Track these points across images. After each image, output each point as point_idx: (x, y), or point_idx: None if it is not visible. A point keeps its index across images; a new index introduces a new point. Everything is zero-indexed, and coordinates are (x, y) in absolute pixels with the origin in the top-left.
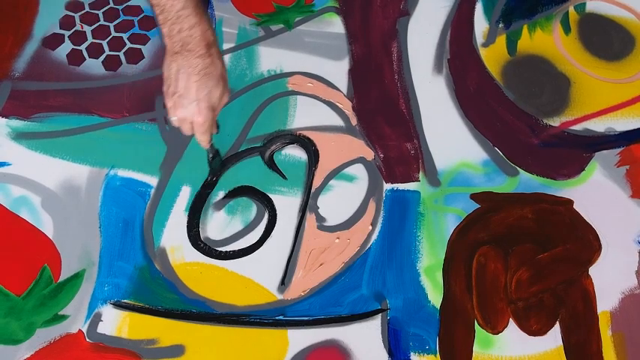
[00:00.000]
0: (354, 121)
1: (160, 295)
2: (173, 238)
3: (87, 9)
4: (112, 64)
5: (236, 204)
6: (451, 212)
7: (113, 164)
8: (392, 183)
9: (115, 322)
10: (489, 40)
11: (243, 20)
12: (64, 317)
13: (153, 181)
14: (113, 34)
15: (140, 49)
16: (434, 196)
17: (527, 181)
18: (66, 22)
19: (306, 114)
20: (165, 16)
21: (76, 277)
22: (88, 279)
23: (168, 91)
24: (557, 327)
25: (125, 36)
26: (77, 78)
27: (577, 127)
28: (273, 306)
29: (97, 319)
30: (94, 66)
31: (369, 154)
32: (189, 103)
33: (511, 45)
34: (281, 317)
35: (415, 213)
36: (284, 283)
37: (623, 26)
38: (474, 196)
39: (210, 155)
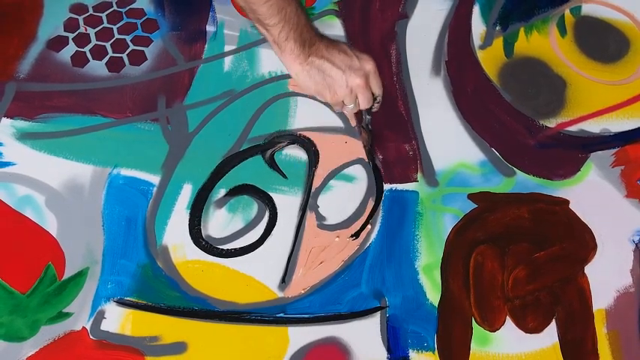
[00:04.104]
0: (353, 123)
1: (163, 292)
2: (175, 236)
3: (91, 12)
4: (115, 65)
5: (237, 202)
6: (449, 212)
7: (116, 163)
8: (390, 183)
9: (118, 320)
10: (486, 42)
11: (244, 23)
12: (68, 315)
13: (155, 179)
14: (116, 36)
15: (143, 51)
16: (432, 196)
17: (523, 182)
18: (70, 25)
19: (306, 115)
20: (288, 28)
21: (80, 275)
22: (92, 277)
23: (334, 86)
24: (553, 325)
25: (128, 38)
26: (81, 79)
27: (573, 128)
28: (274, 304)
29: (100, 316)
30: (97, 67)
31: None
32: (355, 64)
33: (508, 47)
34: (281, 315)
35: (414, 213)
36: (284, 281)
37: (618, 29)
38: (472, 196)
39: (369, 124)
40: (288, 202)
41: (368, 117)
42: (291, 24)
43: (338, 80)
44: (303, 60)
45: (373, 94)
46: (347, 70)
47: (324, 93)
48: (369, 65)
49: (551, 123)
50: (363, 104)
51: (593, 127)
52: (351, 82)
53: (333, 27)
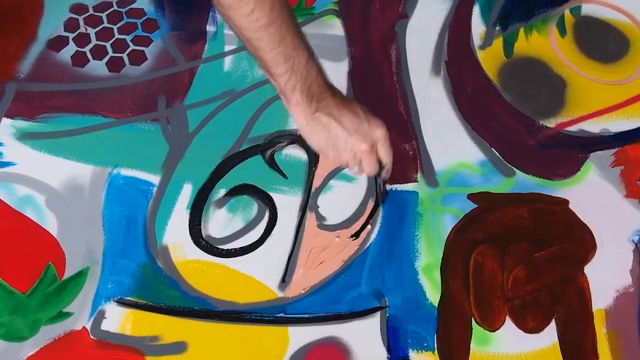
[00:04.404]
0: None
1: (163, 292)
2: (175, 236)
3: (91, 12)
4: (115, 65)
5: (237, 202)
6: (449, 212)
7: (116, 163)
8: (390, 183)
9: (118, 320)
10: (486, 42)
11: None
12: (68, 315)
13: (155, 179)
14: (116, 36)
15: (143, 50)
16: (432, 196)
17: (523, 182)
18: (70, 25)
19: None
20: (296, 79)
21: (80, 275)
22: (92, 277)
23: (338, 146)
24: (553, 325)
25: (128, 38)
26: (81, 79)
27: (572, 128)
28: (274, 303)
29: (100, 316)
30: (97, 67)
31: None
32: (364, 128)
33: (508, 47)
34: (282, 315)
35: (413, 213)
36: (284, 281)
37: (618, 29)
38: (472, 197)
39: (382, 186)
40: (288, 202)
41: (379, 180)
42: (299, 75)
43: (342, 142)
44: (309, 114)
45: (381, 162)
46: (353, 134)
47: (328, 152)
48: (378, 132)
49: (551, 123)
50: (367, 170)
51: (593, 127)
52: (356, 146)
53: (333, 27)
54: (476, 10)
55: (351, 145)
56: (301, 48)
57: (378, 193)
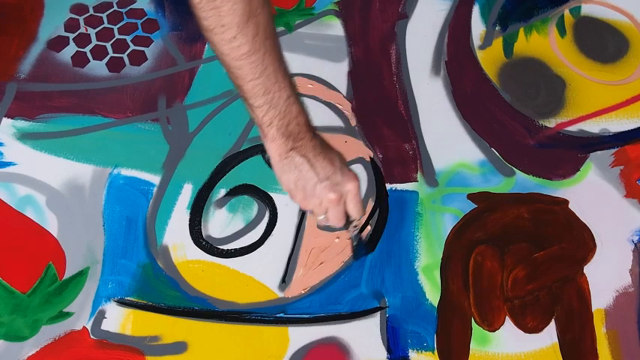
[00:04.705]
0: (353, 122)
1: (163, 292)
2: (175, 236)
3: (91, 12)
4: (115, 65)
5: (237, 202)
6: (449, 212)
7: (116, 163)
8: (390, 183)
9: (118, 319)
10: (486, 42)
11: None
12: (68, 314)
13: (155, 179)
14: (117, 36)
15: (143, 51)
16: (432, 196)
17: (523, 182)
18: (70, 25)
19: None
20: (273, 114)
21: (81, 275)
22: (92, 277)
23: (306, 190)
24: (552, 324)
25: (129, 38)
26: (81, 79)
27: (572, 128)
28: (274, 304)
29: (100, 316)
30: (98, 68)
31: (368, 154)
32: (336, 178)
33: (507, 47)
34: (282, 315)
35: (413, 213)
36: (285, 281)
37: (617, 29)
38: (471, 196)
39: (357, 239)
40: (288, 202)
41: (354, 229)
42: (278, 111)
43: (311, 187)
44: (283, 152)
45: (349, 216)
46: (324, 181)
47: (295, 194)
48: (350, 185)
49: (551, 123)
50: (332, 221)
51: (593, 127)
52: (324, 194)
53: (333, 27)
54: (476, 11)
55: (319, 191)
56: (283, 83)
57: (352, 246)
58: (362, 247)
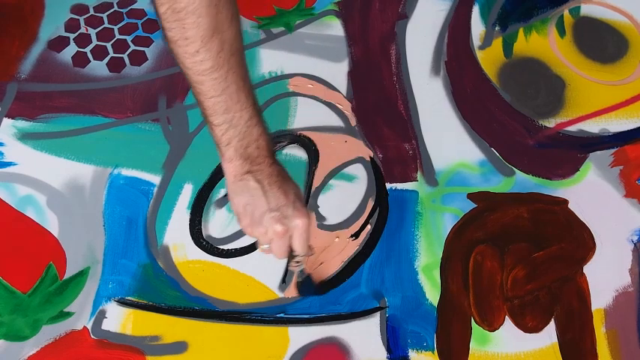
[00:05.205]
0: (353, 122)
1: (163, 292)
2: (176, 236)
3: (92, 12)
4: (116, 65)
5: None
6: (448, 212)
7: (117, 163)
8: (390, 183)
9: (119, 319)
10: (486, 42)
11: (244, 23)
12: (69, 314)
13: (156, 179)
14: (117, 36)
15: (144, 51)
16: (432, 195)
17: (523, 181)
18: (71, 25)
19: (306, 115)
20: (232, 134)
21: (81, 275)
22: (93, 277)
23: (254, 217)
24: (552, 324)
25: (129, 38)
26: (82, 79)
27: (572, 128)
28: (274, 304)
29: (101, 316)
30: (98, 68)
31: (368, 154)
32: (286, 211)
33: (507, 47)
34: (282, 315)
35: (413, 212)
36: (285, 281)
37: (616, 29)
38: (471, 196)
39: (302, 277)
40: None
41: (296, 265)
42: (237, 131)
43: (259, 214)
44: (239, 174)
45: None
46: (273, 211)
47: (243, 218)
48: (298, 221)
49: (551, 123)
50: (274, 252)
51: (592, 127)
52: (271, 224)
53: (333, 27)
54: (475, 11)
55: (266, 221)
56: (246, 104)
57: (296, 282)
58: (309, 285)
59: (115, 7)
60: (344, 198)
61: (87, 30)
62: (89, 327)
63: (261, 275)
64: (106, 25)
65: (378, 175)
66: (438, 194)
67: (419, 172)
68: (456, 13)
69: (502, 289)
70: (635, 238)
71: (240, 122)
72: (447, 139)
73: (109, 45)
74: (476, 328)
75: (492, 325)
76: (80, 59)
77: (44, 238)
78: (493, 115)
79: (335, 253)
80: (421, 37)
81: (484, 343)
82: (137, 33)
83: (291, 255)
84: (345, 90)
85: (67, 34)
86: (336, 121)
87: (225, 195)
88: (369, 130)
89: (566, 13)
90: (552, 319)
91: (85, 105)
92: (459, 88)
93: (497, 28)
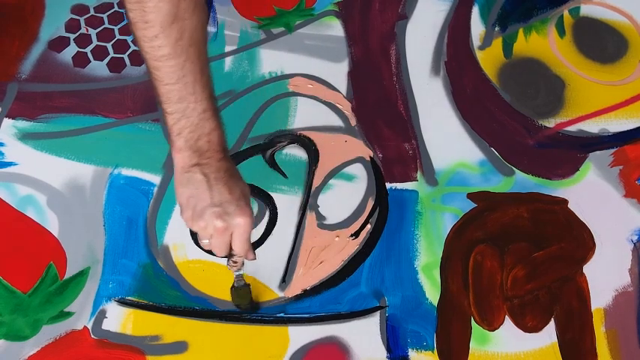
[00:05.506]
0: (353, 122)
1: (164, 292)
2: (176, 236)
3: (92, 12)
4: (116, 66)
5: None
6: (448, 211)
7: (117, 163)
8: (390, 182)
9: (119, 319)
10: (486, 42)
11: (244, 23)
12: (69, 314)
13: (156, 179)
14: (117, 36)
15: None
16: (431, 195)
17: (522, 181)
18: (71, 26)
19: (306, 115)
20: (184, 124)
21: (81, 275)
22: (93, 276)
23: (196, 210)
24: (552, 324)
25: (129, 39)
26: (82, 80)
27: (571, 128)
28: (275, 303)
29: (101, 315)
30: (98, 68)
31: (368, 154)
32: (229, 208)
33: (507, 48)
34: (282, 314)
35: (413, 212)
36: (285, 280)
37: (616, 29)
38: (471, 196)
39: (240, 284)
40: (288, 202)
41: (234, 265)
42: (189, 122)
43: (201, 208)
44: (186, 165)
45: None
46: (216, 206)
47: (185, 210)
48: (239, 219)
49: (550, 123)
50: (213, 248)
51: (592, 127)
52: (211, 219)
53: (333, 28)
54: (475, 11)
55: (207, 215)
56: (201, 96)
57: (230, 288)
58: (246, 294)
59: (116, 8)
60: (344, 197)
61: (87, 30)
62: (89, 327)
63: (261, 275)
64: (107, 25)
65: (378, 174)
66: (438, 194)
67: (419, 172)
68: (456, 13)
69: (502, 288)
70: (635, 238)
71: (193, 114)
72: (447, 139)
73: (109, 45)
74: (476, 328)
75: (492, 324)
76: (80, 59)
77: (44, 238)
78: (493, 115)
79: (335, 252)
80: (421, 37)
81: (484, 343)
82: None
83: (230, 254)
84: (345, 90)
85: (67, 35)
86: (336, 121)
87: None
88: (369, 130)
89: (565, 13)
90: (552, 319)
91: (85, 105)
92: (458, 88)
93: (497, 29)
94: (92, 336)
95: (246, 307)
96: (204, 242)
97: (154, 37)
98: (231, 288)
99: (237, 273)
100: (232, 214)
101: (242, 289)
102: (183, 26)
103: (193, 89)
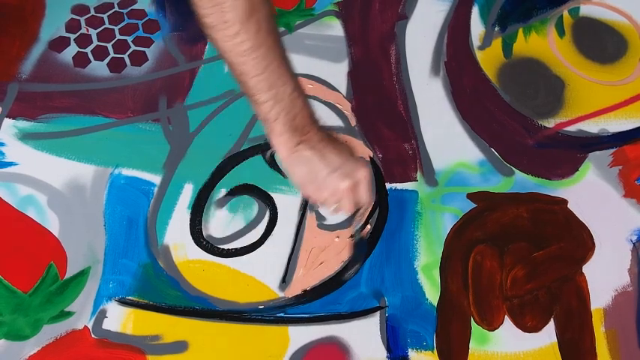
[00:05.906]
0: (353, 122)
1: (164, 292)
2: (176, 235)
3: (92, 12)
4: (116, 66)
5: (238, 202)
6: (448, 211)
7: (117, 163)
8: (390, 183)
9: (119, 319)
10: (485, 43)
11: None
12: (69, 314)
13: (156, 179)
14: (118, 37)
15: (144, 51)
16: (431, 195)
17: (522, 181)
18: (72, 26)
19: None
20: (279, 109)
21: (82, 275)
22: (93, 276)
23: (318, 181)
24: (551, 324)
25: (129, 39)
26: (82, 80)
27: (571, 128)
28: (275, 303)
29: (102, 315)
30: (99, 68)
31: (368, 154)
32: (348, 166)
33: (507, 48)
34: (282, 314)
35: (413, 212)
36: (285, 280)
37: (616, 29)
38: (471, 196)
39: (360, 232)
40: (288, 202)
41: (358, 225)
42: (283, 105)
43: (322, 178)
44: (292, 146)
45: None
46: (336, 171)
47: (307, 187)
48: (361, 172)
49: (550, 123)
50: (345, 209)
51: (592, 127)
52: (337, 184)
53: (333, 28)
54: (475, 11)
55: (331, 182)
56: (287, 77)
57: (355, 236)
58: (364, 244)
59: (116, 8)
60: None
61: (87, 30)
62: (90, 326)
63: (261, 275)
64: (107, 25)
65: (378, 175)
66: (438, 194)
67: (419, 172)
68: (456, 13)
69: (502, 288)
70: (634, 238)
71: (285, 96)
72: (446, 139)
73: (109, 45)
74: (475, 328)
75: (492, 324)
76: (81, 59)
77: (45, 238)
78: (493, 115)
79: (335, 252)
80: (421, 37)
81: (484, 343)
82: (138, 33)
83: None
84: (345, 90)
85: (67, 35)
86: (336, 121)
87: (226, 195)
88: (369, 130)
89: (565, 13)
90: (552, 319)
91: (85, 105)
92: (458, 88)
93: (496, 29)
94: (92, 336)
95: (366, 253)
96: (332, 209)
97: (235, 34)
98: (355, 242)
99: (359, 225)
100: (353, 170)
101: (362, 238)
102: (259, 17)
103: (279, 73)
